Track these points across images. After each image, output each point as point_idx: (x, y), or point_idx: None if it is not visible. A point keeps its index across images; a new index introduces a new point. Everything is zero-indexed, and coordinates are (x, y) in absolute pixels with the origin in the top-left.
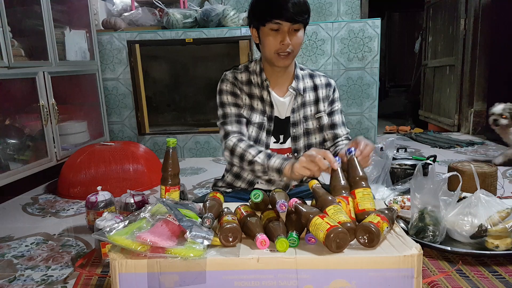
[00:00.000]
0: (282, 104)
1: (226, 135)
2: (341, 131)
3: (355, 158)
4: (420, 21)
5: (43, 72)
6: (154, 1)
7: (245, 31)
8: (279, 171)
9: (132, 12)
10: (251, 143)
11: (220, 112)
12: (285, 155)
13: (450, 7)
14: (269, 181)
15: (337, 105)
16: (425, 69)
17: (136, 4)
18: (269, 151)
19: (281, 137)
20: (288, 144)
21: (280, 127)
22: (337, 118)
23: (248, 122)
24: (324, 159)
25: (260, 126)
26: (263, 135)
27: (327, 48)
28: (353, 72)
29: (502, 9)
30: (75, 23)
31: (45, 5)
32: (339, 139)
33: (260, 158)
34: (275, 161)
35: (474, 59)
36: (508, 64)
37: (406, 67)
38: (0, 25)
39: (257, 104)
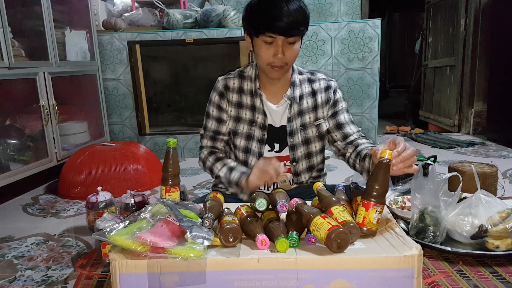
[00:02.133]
0: (276, 112)
1: (201, 147)
2: (351, 129)
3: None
4: (421, 21)
5: (44, 72)
6: (155, 2)
7: None
8: (237, 184)
9: (132, 12)
10: (221, 155)
11: (204, 121)
12: (282, 163)
13: (450, 8)
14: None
15: (341, 105)
16: (426, 69)
17: (136, 4)
18: (233, 163)
19: (277, 145)
20: (285, 153)
21: (275, 136)
22: (343, 117)
23: (235, 133)
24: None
25: (248, 136)
26: (253, 145)
27: (327, 48)
28: (354, 73)
29: (502, 9)
30: (75, 24)
31: (45, 6)
32: (351, 138)
33: (222, 172)
34: (235, 175)
35: (474, 60)
36: (508, 64)
37: (406, 68)
38: (0, 25)
39: (245, 114)
